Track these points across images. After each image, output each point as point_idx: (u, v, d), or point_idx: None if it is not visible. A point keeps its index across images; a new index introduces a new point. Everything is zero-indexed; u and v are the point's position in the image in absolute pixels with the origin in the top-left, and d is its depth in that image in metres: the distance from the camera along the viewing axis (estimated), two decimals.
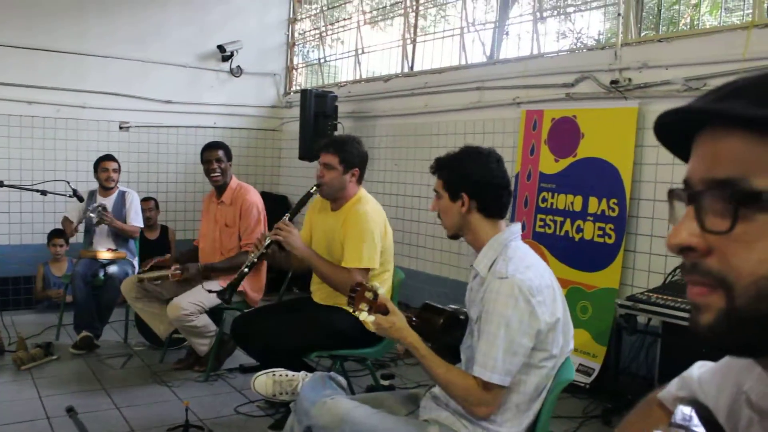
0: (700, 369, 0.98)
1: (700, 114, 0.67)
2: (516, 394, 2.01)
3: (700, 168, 0.68)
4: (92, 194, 5.33)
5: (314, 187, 3.45)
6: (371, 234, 3.29)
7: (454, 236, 2.25)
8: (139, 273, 4.45)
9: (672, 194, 0.73)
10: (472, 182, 2.13)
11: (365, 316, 2.06)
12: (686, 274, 0.68)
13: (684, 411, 0.89)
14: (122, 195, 5.38)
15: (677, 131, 0.72)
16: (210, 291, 4.02)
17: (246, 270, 3.40)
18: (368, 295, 2.09)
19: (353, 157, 3.41)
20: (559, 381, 2.05)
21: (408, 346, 2.08)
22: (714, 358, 0.97)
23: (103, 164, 5.32)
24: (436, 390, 2.19)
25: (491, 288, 1.98)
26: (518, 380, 1.99)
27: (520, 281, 1.94)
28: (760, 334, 0.64)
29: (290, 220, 3.40)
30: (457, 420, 2.05)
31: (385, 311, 2.12)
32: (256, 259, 3.36)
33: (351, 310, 2.11)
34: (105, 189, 5.32)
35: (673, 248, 0.68)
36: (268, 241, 3.33)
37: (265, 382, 2.61)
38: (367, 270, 3.29)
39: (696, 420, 0.87)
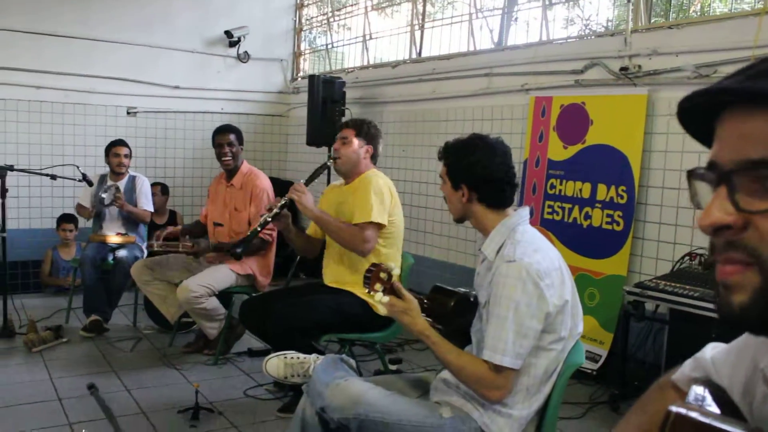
0: (713, 350, 1.00)
1: (737, 94, 0.67)
2: (526, 377, 2.02)
3: (729, 149, 0.68)
4: (103, 178, 5.37)
5: (330, 159, 3.60)
6: (380, 193, 3.42)
7: (459, 220, 2.28)
8: (149, 243, 4.47)
9: (692, 175, 0.73)
10: (473, 175, 2.14)
11: (380, 297, 2.07)
12: (719, 253, 0.68)
13: (697, 391, 0.90)
14: (132, 180, 5.41)
15: (699, 114, 0.72)
16: (241, 285, 4.23)
17: (259, 228, 3.47)
18: (383, 275, 2.10)
19: (368, 135, 3.60)
20: (569, 364, 2.07)
21: (418, 333, 2.09)
22: (725, 340, 0.99)
23: (115, 149, 5.35)
24: (446, 374, 2.20)
25: (499, 272, 2.00)
26: (528, 363, 2.01)
27: (528, 264, 1.95)
28: None
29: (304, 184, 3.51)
30: (468, 402, 2.07)
31: (398, 294, 2.13)
32: (270, 219, 3.41)
33: (366, 291, 2.12)
34: (116, 174, 5.35)
35: (706, 228, 0.68)
36: (283, 201, 3.40)
37: (277, 364, 2.63)
38: (378, 226, 3.38)
39: (710, 399, 0.88)
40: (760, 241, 0.64)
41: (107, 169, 5.42)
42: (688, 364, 1.05)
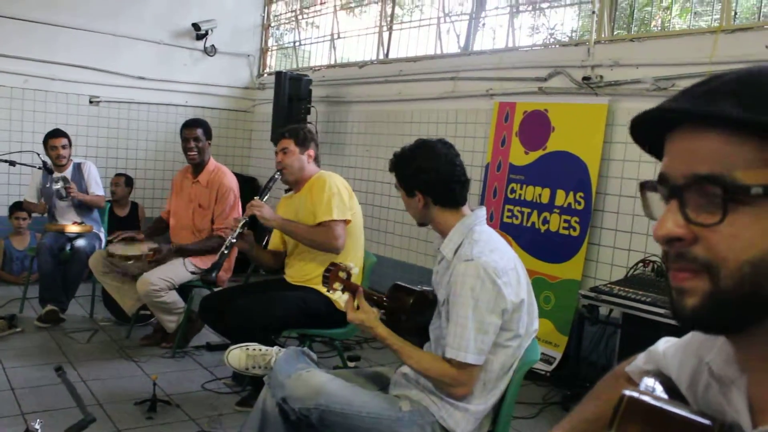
0: (665, 344, 1.06)
1: (688, 115, 0.72)
2: (483, 373, 2.08)
3: (678, 164, 0.73)
4: (48, 170, 5.13)
5: (277, 172, 3.64)
6: (338, 191, 3.48)
7: (421, 224, 2.33)
8: (108, 247, 4.40)
9: (645, 186, 0.79)
10: (422, 180, 2.20)
11: (338, 296, 2.13)
12: (672, 262, 0.74)
13: (648, 382, 0.97)
14: (78, 167, 5.28)
15: (651, 128, 0.78)
16: (193, 273, 4.17)
17: (226, 252, 3.47)
18: (342, 274, 2.17)
19: (306, 139, 3.66)
20: (525, 361, 2.14)
21: (381, 340, 2.16)
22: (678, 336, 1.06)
23: (51, 142, 5.15)
24: (406, 368, 2.26)
25: (457, 271, 2.06)
26: (485, 359, 2.07)
27: (485, 263, 2.02)
28: (740, 312, 0.71)
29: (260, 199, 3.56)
30: (426, 396, 2.13)
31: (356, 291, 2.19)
32: (234, 239, 3.43)
33: (325, 290, 2.16)
34: (57, 166, 5.21)
35: (660, 239, 0.73)
36: (243, 221, 3.44)
37: (238, 355, 2.65)
38: (345, 222, 3.43)
39: (660, 389, 0.95)
40: (707, 253, 0.70)
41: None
42: (641, 356, 1.11)
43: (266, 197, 3.61)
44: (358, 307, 2.17)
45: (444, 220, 2.22)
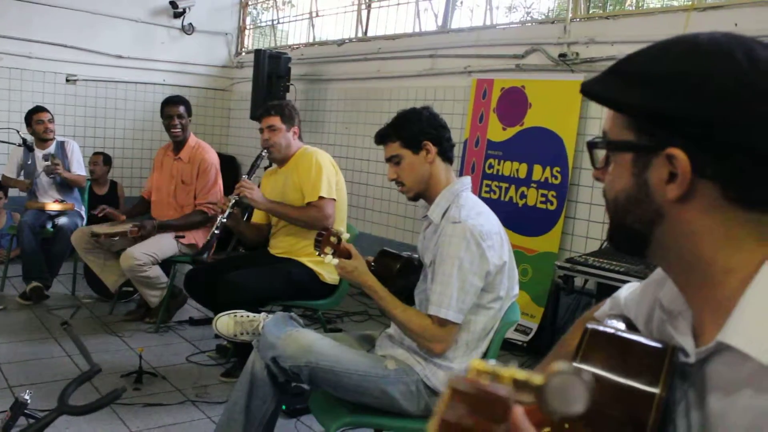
0: (627, 290, 1.19)
1: (584, 93, 0.92)
2: (466, 333, 2.18)
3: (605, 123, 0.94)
4: (29, 147, 5.21)
5: (264, 150, 3.66)
6: (325, 168, 3.52)
7: (416, 197, 2.38)
8: (93, 225, 4.43)
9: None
10: (428, 132, 2.31)
11: (329, 259, 2.22)
12: None
13: (610, 322, 1.08)
14: (62, 145, 5.30)
15: None
16: (183, 253, 4.26)
17: (216, 231, 3.52)
18: (332, 239, 2.26)
19: (292, 116, 3.69)
20: (505, 322, 2.23)
21: (368, 288, 2.24)
22: None
23: (38, 116, 5.20)
24: (391, 330, 2.36)
25: (445, 232, 2.15)
26: (468, 320, 2.16)
27: (471, 226, 2.11)
28: (621, 236, 0.93)
29: (248, 178, 3.56)
30: (411, 356, 2.21)
31: (348, 256, 2.27)
32: (225, 219, 3.47)
33: (316, 254, 2.24)
34: (43, 141, 5.23)
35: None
36: (233, 200, 3.47)
37: (227, 322, 2.71)
38: (332, 200, 3.48)
39: (621, 326, 1.07)
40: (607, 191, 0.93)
41: (31, 138, 5.29)
42: (607, 302, 1.22)
43: (253, 176, 3.65)
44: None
45: (442, 177, 2.32)
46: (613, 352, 0.89)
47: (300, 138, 3.78)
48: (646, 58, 0.89)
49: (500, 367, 0.59)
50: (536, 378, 0.58)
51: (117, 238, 4.29)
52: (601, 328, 0.94)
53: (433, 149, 2.30)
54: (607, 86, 0.89)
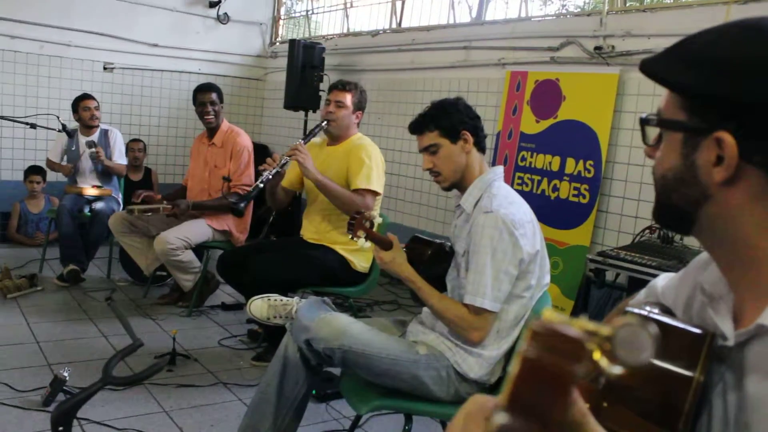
0: (663, 280, 1.18)
1: (643, 72, 0.93)
2: (498, 321, 2.19)
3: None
4: (73, 133, 5.30)
5: (325, 122, 3.63)
6: (378, 161, 3.53)
7: (451, 186, 2.38)
8: (130, 205, 4.52)
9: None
10: (466, 122, 2.33)
11: (362, 243, 2.25)
12: None
13: (647, 307, 1.09)
14: (105, 133, 5.42)
15: None
16: (217, 240, 4.34)
17: (261, 185, 3.43)
18: (366, 223, 2.28)
19: (361, 101, 3.69)
20: (536, 309, 2.25)
21: (405, 279, 2.28)
22: None
23: (85, 103, 5.34)
24: (422, 316, 2.39)
25: (477, 222, 2.17)
26: (501, 309, 2.18)
27: (504, 215, 2.13)
28: (666, 214, 0.95)
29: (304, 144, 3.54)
30: (442, 342, 2.24)
31: (383, 242, 2.30)
32: (271, 176, 3.40)
33: (349, 237, 2.27)
34: (88, 128, 5.35)
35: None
36: (284, 160, 3.43)
37: (260, 305, 2.76)
38: (375, 194, 3.49)
39: (658, 311, 1.08)
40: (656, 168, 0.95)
41: (76, 124, 5.40)
42: (643, 292, 1.23)
43: (308, 143, 3.58)
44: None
45: (477, 167, 2.34)
46: None
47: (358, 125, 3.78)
48: (705, 40, 0.89)
49: (570, 318, 0.62)
50: (605, 329, 0.60)
51: (150, 214, 4.37)
52: (641, 311, 0.96)
53: (471, 139, 2.33)
54: (665, 66, 0.90)
